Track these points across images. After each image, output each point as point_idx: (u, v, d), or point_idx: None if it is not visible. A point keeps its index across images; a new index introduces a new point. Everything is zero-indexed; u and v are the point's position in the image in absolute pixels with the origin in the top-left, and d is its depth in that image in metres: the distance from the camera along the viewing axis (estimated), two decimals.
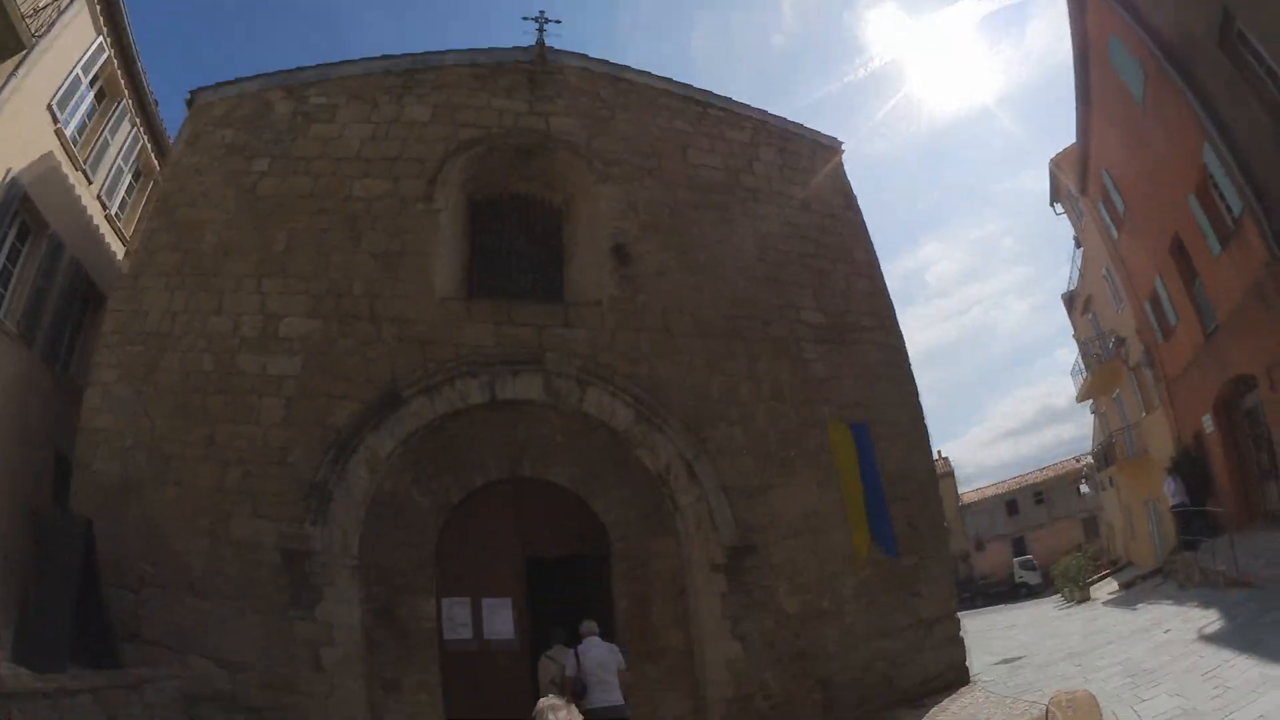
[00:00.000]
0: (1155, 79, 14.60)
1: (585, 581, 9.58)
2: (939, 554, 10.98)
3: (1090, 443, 32.98)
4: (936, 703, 9.70)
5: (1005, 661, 12.34)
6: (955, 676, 10.38)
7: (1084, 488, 37.07)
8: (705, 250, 10.05)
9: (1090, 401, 29.09)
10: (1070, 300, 27.05)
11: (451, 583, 8.82)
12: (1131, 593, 18.57)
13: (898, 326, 11.29)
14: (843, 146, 11.97)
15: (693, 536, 9.00)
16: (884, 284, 11.38)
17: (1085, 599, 21.10)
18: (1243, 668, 7.48)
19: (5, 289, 10.46)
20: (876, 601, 10.22)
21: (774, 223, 10.60)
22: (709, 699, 8.93)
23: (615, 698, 7.73)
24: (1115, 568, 26.11)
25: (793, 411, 9.86)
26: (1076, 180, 21.16)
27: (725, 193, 10.44)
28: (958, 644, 10.78)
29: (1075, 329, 27.82)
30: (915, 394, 11.17)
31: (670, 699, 8.84)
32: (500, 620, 8.75)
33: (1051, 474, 45.55)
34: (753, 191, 10.60)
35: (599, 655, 7.78)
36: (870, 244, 11.41)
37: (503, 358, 8.90)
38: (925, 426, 11.21)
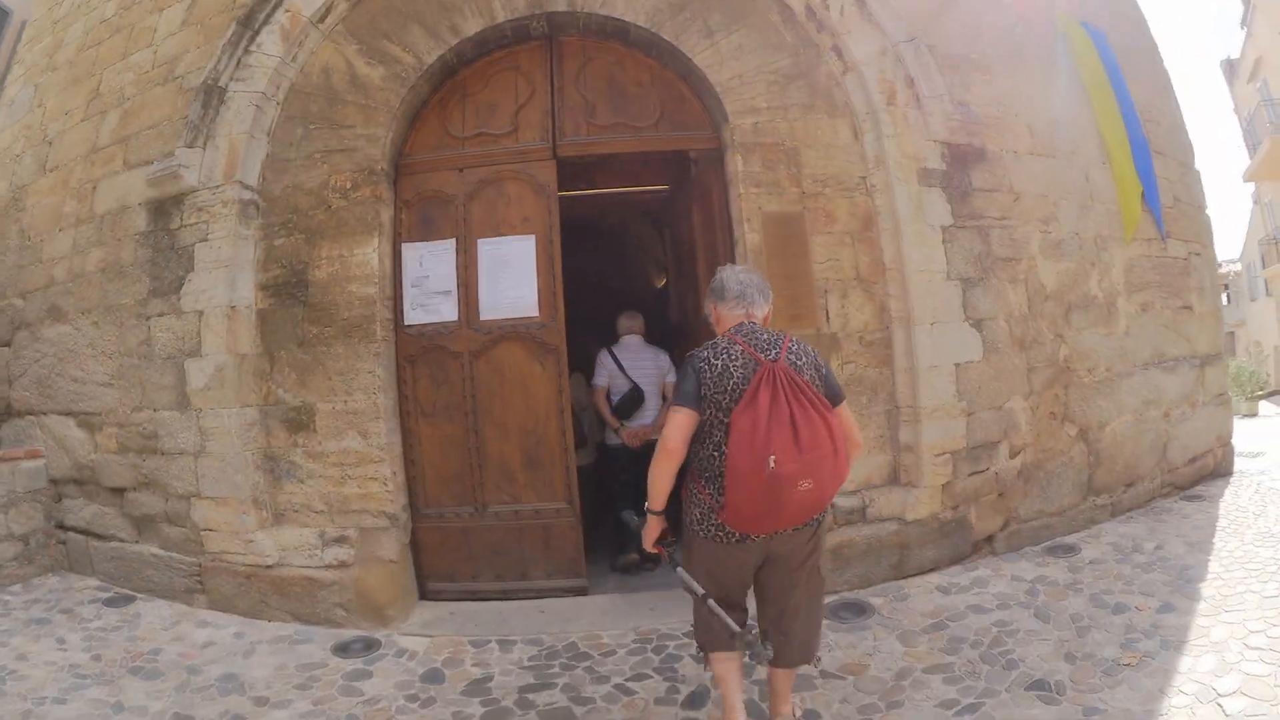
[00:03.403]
0: None
1: (671, 214, 4.29)
2: (1206, 251, 5.25)
3: (1240, 247, 23.22)
4: (1211, 495, 4.59)
5: (1247, 455, 6.14)
6: (1223, 457, 4.94)
7: (1224, 298, 26.94)
8: None
9: (1253, 188, 19.59)
10: (1232, 69, 18.67)
11: (418, 218, 3.61)
12: None
13: None
14: None
15: (879, 116, 3.54)
16: None
17: (1253, 414, 13.76)
18: None
19: None
20: (1149, 305, 4.61)
21: None
22: (921, 445, 3.45)
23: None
24: (1267, 391, 17.26)
25: None
26: None
27: None
28: (1226, 407, 5.19)
29: (1236, 102, 18.94)
30: (1144, 18, 5.44)
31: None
32: (512, 279, 3.44)
33: None
34: None
35: (643, 364, 4.14)
36: None
37: None
38: (1165, 66, 5.40)
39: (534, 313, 3.44)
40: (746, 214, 3.37)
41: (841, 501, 3.45)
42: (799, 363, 1.94)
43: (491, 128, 3.63)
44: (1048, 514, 4.01)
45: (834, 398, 2.00)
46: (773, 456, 1.75)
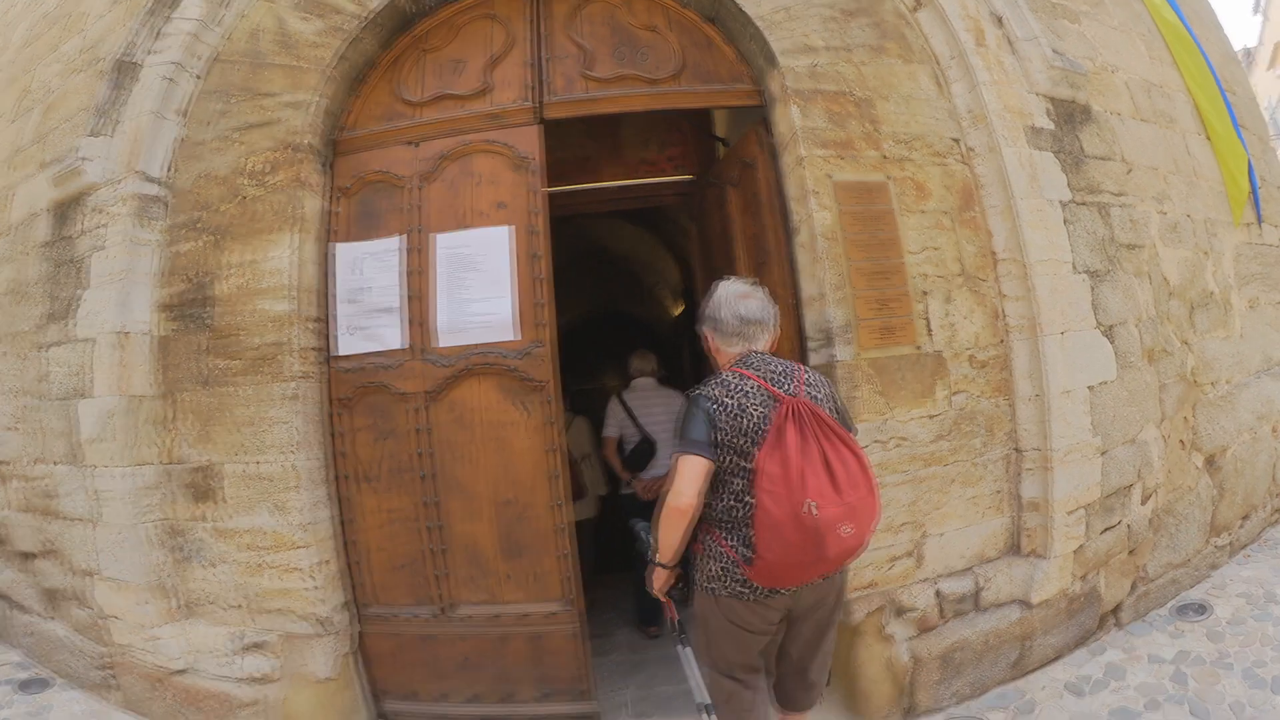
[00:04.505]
0: None
1: (698, 211, 3.12)
2: None
3: None
4: None
5: None
6: None
7: None
8: None
9: None
10: (1250, 57, 17.02)
11: (358, 210, 2.50)
12: None
13: None
14: None
15: (969, 60, 2.35)
16: None
17: None
18: None
19: None
20: (1256, 301, 3.53)
21: None
22: (1052, 500, 2.26)
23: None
24: None
25: None
26: None
27: None
28: None
29: (1255, 92, 17.12)
30: None
31: (952, 505, 2.27)
32: (480, 287, 2.29)
33: None
34: None
35: (655, 410, 3.39)
36: None
37: None
38: (1225, 31, 4.35)
39: (510, 334, 2.32)
40: (812, 184, 2.22)
41: (950, 586, 2.33)
42: (818, 395, 1.72)
43: (456, 88, 2.55)
44: (1174, 566, 2.98)
45: (850, 431, 1.77)
46: (812, 502, 1.54)
